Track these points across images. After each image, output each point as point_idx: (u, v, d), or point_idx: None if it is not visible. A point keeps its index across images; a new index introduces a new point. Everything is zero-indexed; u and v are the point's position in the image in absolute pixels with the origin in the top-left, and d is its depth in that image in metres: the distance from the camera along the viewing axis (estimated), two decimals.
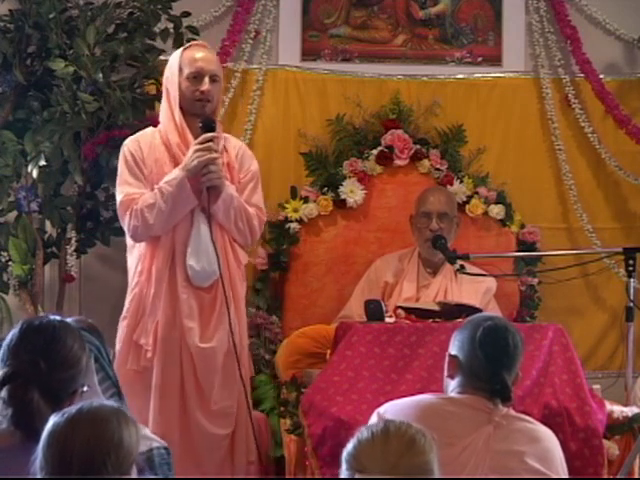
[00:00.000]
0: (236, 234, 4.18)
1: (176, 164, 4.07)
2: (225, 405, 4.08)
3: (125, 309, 4.12)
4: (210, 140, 4.01)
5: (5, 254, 4.78)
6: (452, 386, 3.09)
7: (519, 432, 2.99)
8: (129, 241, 4.17)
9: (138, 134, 4.21)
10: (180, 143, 4.10)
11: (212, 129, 4.05)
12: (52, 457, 2.06)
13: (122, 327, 4.10)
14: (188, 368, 4.05)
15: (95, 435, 2.07)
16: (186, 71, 4.11)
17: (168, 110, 4.14)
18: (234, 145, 4.30)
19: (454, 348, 3.11)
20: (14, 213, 4.83)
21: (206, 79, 4.10)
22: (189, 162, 3.99)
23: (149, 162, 4.10)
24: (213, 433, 4.06)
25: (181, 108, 4.11)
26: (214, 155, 4.00)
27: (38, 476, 2.07)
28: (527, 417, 3.11)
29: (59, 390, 2.44)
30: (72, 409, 2.13)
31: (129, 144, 4.15)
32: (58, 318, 2.57)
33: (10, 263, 4.76)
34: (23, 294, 4.79)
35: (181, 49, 4.21)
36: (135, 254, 4.13)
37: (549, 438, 3.06)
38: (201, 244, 4.04)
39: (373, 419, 2.95)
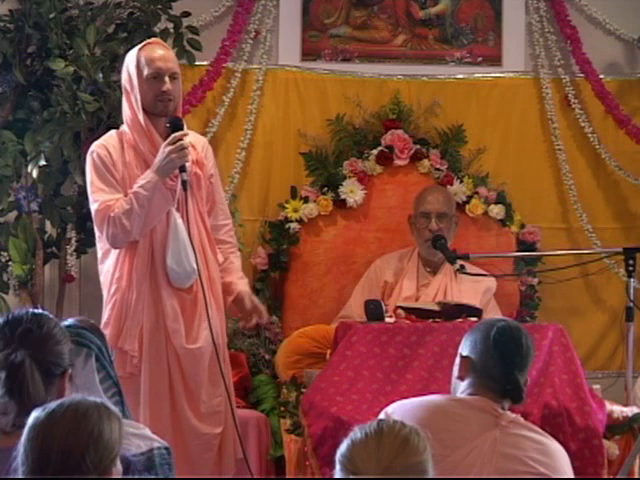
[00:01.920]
0: None
1: (147, 166, 4.01)
2: (214, 403, 4.06)
3: (106, 316, 4.04)
4: (180, 139, 3.97)
5: (5, 254, 4.78)
6: (462, 387, 3.07)
7: (527, 439, 2.97)
8: (102, 248, 4.10)
9: (103, 138, 4.12)
10: (148, 144, 4.05)
11: (180, 127, 4.01)
12: (32, 451, 2.06)
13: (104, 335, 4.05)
14: (175, 370, 4.02)
15: (74, 428, 2.06)
16: (145, 72, 4.02)
17: (131, 112, 4.07)
18: (198, 140, 4.25)
19: (465, 349, 3.09)
20: (14, 213, 4.83)
21: (166, 78, 4.02)
22: (162, 164, 3.94)
23: (119, 166, 4.04)
24: (205, 433, 4.03)
25: (144, 109, 4.05)
26: (188, 157, 3.98)
27: (20, 470, 2.06)
28: (537, 428, 3.09)
29: (50, 364, 2.46)
30: (53, 404, 2.13)
31: (97, 150, 4.06)
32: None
33: (10, 263, 4.76)
34: (23, 294, 4.79)
35: (137, 49, 4.09)
36: (110, 261, 4.07)
37: (562, 457, 3.00)
38: (179, 245, 4.00)
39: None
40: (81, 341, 3.05)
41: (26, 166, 4.77)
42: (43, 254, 4.81)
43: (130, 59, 4.08)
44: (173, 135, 3.97)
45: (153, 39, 4.27)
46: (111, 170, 4.03)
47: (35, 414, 2.11)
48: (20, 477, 2.08)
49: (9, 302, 4.82)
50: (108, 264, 4.09)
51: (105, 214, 3.97)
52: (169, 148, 3.94)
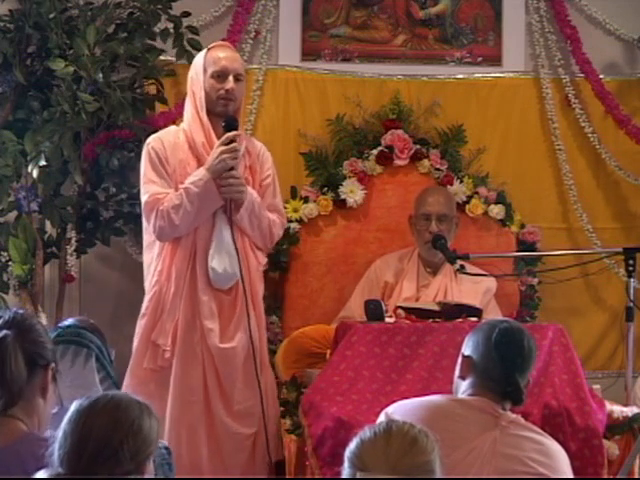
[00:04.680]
0: (257, 239, 4.22)
1: (200, 164, 4.09)
2: (248, 405, 4.09)
3: (144, 307, 4.12)
4: (233, 140, 4.03)
5: (5, 254, 4.78)
6: (463, 387, 3.09)
7: (527, 440, 2.97)
8: (148, 238, 4.17)
9: (161, 133, 4.22)
10: (205, 143, 4.11)
11: (235, 127, 4.08)
12: (71, 434, 2.10)
13: (140, 325, 4.10)
14: (210, 369, 4.06)
15: (115, 418, 2.11)
16: (210, 70, 4.13)
17: (193, 110, 4.14)
18: (254, 145, 4.33)
19: (468, 349, 3.12)
20: (14, 213, 4.83)
21: (230, 78, 4.12)
22: (214, 163, 4.01)
23: (173, 161, 4.11)
24: (237, 432, 4.07)
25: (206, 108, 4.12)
26: (238, 160, 4.02)
27: (55, 455, 2.10)
28: (537, 428, 3.10)
29: (33, 352, 2.49)
30: (97, 394, 2.18)
31: (152, 143, 4.15)
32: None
33: (10, 263, 4.76)
34: (23, 294, 4.78)
35: (205, 49, 4.23)
36: (155, 252, 4.13)
37: (561, 458, 3.02)
38: (223, 246, 4.05)
39: (381, 419, 2.95)
40: (81, 341, 3.06)
41: (26, 166, 4.77)
42: (43, 254, 4.81)
43: (198, 58, 4.21)
44: (226, 135, 4.04)
45: (221, 41, 4.38)
46: (164, 163, 4.11)
47: (79, 401, 2.16)
48: (30, 477, 2.10)
49: (9, 302, 4.82)
50: (151, 256, 4.15)
51: (154, 206, 4.04)
52: (221, 148, 4.02)
